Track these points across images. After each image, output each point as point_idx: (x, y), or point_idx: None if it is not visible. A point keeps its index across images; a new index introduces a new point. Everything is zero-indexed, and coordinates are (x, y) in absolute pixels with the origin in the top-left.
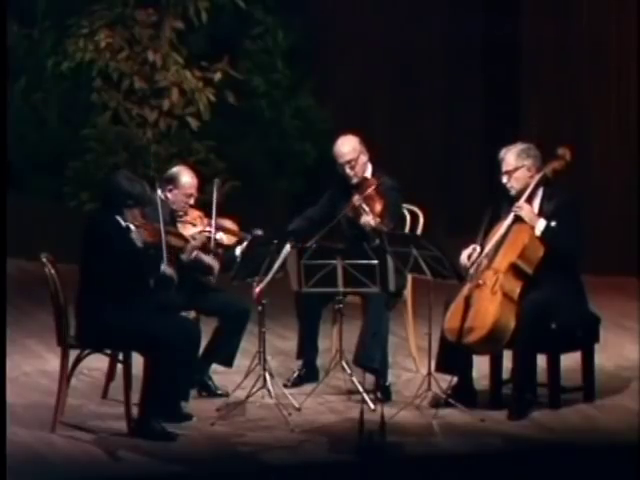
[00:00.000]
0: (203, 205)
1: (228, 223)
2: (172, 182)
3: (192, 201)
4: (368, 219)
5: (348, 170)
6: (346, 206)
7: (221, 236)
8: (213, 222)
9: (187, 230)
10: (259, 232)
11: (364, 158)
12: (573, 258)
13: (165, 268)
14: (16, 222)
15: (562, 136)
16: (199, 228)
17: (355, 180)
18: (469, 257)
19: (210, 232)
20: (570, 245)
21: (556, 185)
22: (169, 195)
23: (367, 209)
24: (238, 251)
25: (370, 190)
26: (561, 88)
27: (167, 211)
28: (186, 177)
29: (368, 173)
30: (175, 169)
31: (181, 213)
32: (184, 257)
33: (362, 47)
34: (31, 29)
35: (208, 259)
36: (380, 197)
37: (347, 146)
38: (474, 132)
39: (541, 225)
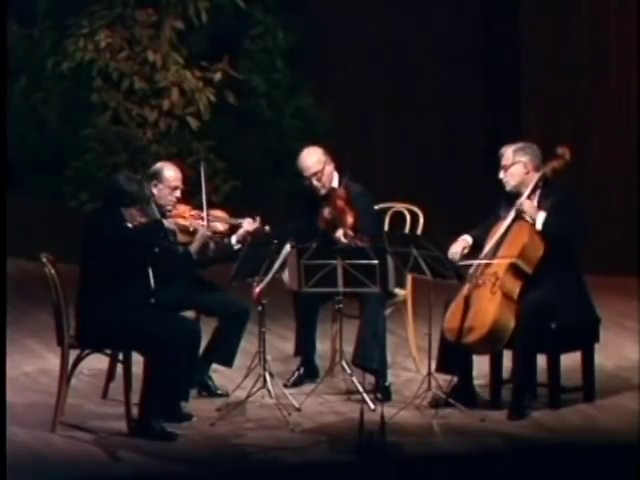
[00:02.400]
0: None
1: (218, 212)
2: (156, 177)
3: (178, 193)
4: (339, 235)
5: (315, 182)
6: (318, 220)
7: (214, 224)
8: (205, 207)
9: (178, 224)
10: (266, 228)
11: (329, 168)
12: (573, 245)
13: (165, 222)
14: (16, 222)
15: (562, 136)
16: (189, 221)
17: (323, 191)
18: (462, 251)
19: (202, 221)
20: (570, 232)
21: (555, 184)
22: (154, 190)
23: (338, 222)
24: (234, 239)
25: (338, 199)
26: (561, 88)
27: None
28: (169, 171)
29: (335, 183)
30: (158, 164)
31: (169, 208)
32: (193, 249)
33: (362, 47)
34: (31, 29)
35: (199, 235)
36: (350, 208)
37: (311, 158)
38: (474, 132)
39: (541, 217)
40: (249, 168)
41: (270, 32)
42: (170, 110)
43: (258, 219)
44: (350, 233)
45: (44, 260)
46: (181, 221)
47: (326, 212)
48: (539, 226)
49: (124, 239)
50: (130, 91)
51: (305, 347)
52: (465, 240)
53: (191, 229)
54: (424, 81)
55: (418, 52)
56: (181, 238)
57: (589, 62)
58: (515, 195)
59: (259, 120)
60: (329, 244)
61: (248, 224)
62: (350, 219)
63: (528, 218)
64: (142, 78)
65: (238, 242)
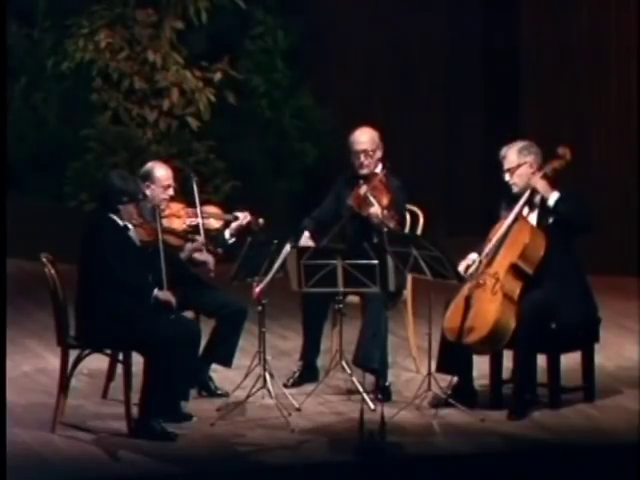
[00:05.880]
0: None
1: (211, 208)
2: (147, 178)
3: (171, 191)
4: (376, 210)
5: (362, 158)
6: (350, 198)
7: (208, 222)
8: (199, 211)
9: (173, 223)
10: (260, 220)
11: (379, 154)
12: (577, 230)
13: (158, 293)
14: (16, 222)
15: (562, 136)
16: (184, 219)
17: (365, 171)
18: (467, 268)
19: (196, 222)
20: (583, 213)
21: (556, 184)
22: (147, 192)
23: (374, 200)
24: (227, 234)
25: (377, 181)
26: (561, 88)
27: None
28: (160, 170)
29: (378, 170)
30: (148, 165)
31: (163, 207)
32: (183, 255)
33: (362, 47)
34: (31, 29)
35: (202, 256)
36: (388, 191)
37: (367, 135)
38: (474, 132)
39: (555, 195)
40: (249, 168)
41: (270, 32)
42: (170, 110)
43: (248, 214)
44: (385, 212)
45: (44, 260)
46: (176, 226)
47: (362, 190)
48: (551, 202)
49: (118, 274)
50: (130, 91)
51: (309, 351)
52: (470, 259)
53: (187, 237)
54: (424, 81)
55: (418, 52)
56: (174, 242)
57: (589, 62)
58: (519, 196)
59: (259, 120)
60: (357, 224)
61: (243, 218)
62: (385, 200)
63: (542, 192)
64: (142, 78)
65: (232, 236)
